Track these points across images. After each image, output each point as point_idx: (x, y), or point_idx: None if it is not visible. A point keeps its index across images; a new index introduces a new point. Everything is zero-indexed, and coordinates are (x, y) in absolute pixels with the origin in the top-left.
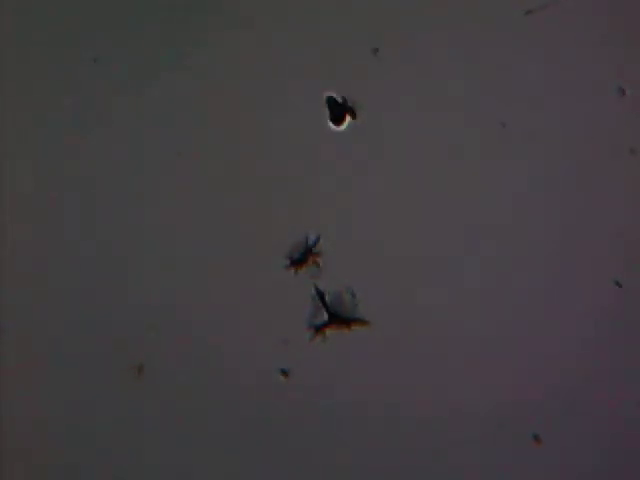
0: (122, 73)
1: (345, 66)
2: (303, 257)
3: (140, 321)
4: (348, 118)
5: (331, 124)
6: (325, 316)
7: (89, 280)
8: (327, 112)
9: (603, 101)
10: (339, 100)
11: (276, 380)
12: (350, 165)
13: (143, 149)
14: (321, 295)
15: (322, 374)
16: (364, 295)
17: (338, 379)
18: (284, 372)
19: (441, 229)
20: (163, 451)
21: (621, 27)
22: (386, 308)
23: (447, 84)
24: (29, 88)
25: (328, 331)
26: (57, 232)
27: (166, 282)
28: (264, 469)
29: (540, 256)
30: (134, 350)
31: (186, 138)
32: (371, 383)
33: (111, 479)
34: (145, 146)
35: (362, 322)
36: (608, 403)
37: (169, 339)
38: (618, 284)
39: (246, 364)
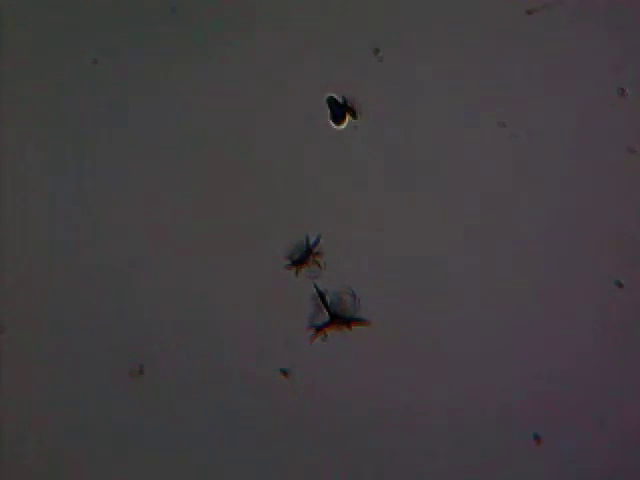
0: (122, 73)
1: (345, 66)
2: (303, 257)
3: (140, 322)
4: (348, 118)
5: (331, 124)
6: (326, 316)
7: (89, 280)
8: (327, 112)
9: (603, 101)
10: (339, 100)
11: (276, 380)
12: (350, 165)
13: (143, 148)
14: (321, 295)
15: (322, 374)
16: (364, 295)
17: (338, 379)
18: (284, 372)
19: (441, 229)
20: (163, 451)
21: (621, 27)
22: (386, 308)
23: (447, 84)
24: (29, 88)
25: (329, 331)
26: (57, 232)
27: (166, 282)
28: (264, 468)
29: (540, 256)
30: (134, 350)
31: (186, 138)
32: (371, 383)
33: (111, 479)
34: (145, 146)
35: (362, 322)
36: (608, 403)
37: (169, 339)
38: (618, 284)
39: (246, 364)
